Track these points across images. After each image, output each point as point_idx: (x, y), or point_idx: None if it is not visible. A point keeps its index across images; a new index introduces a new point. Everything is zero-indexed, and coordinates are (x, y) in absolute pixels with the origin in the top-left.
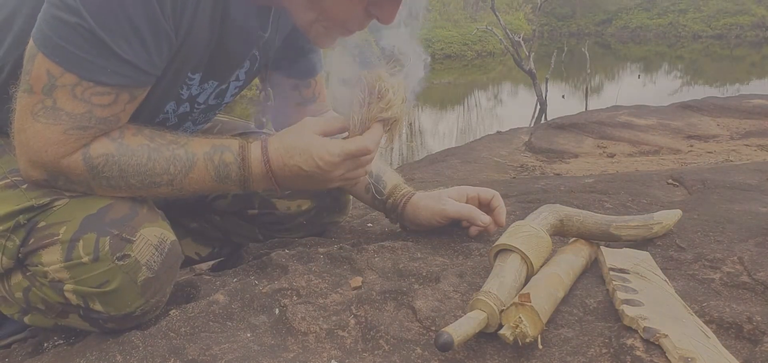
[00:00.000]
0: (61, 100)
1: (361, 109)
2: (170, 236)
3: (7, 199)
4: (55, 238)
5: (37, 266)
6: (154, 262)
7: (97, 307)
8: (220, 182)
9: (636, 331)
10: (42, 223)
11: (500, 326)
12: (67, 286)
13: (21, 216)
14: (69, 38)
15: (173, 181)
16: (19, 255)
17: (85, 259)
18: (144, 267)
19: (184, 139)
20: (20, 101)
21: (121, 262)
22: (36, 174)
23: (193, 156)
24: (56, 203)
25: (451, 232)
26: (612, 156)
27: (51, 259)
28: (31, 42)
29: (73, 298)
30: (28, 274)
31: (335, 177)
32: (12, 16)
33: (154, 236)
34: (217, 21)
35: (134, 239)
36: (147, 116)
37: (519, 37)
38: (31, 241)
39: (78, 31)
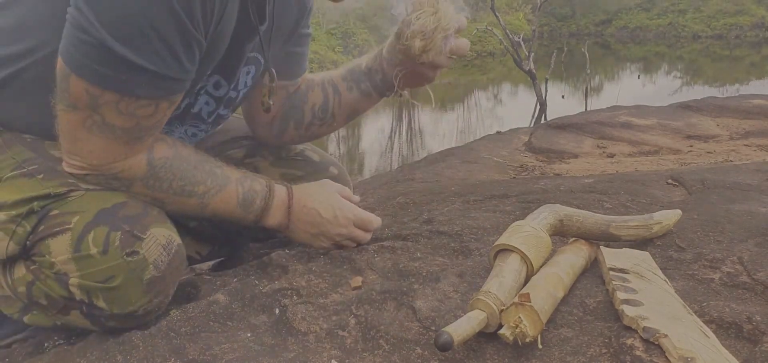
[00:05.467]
0: (109, 116)
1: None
2: (177, 239)
3: (23, 186)
4: (67, 227)
5: (43, 256)
6: (161, 261)
7: (101, 303)
8: (241, 208)
9: (636, 331)
10: (55, 212)
11: (500, 326)
12: (73, 280)
13: (36, 203)
14: (101, 60)
15: (206, 194)
16: (28, 242)
17: (94, 251)
18: (151, 265)
19: (219, 162)
20: (66, 115)
21: (130, 259)
22: (89, 176)
23: (227, 178)
24: (73, 193)
25: (451, 232)
26: (612, 156)
27: (59, 248)
28: (60, 61)
29: (77, 293)
30: (33, 267)
31: (335, 234)
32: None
33: (162, 236)
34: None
35: (144, 237)
36: None
37: (519, 38)
38: (42, 228)
39: (107, 54)
